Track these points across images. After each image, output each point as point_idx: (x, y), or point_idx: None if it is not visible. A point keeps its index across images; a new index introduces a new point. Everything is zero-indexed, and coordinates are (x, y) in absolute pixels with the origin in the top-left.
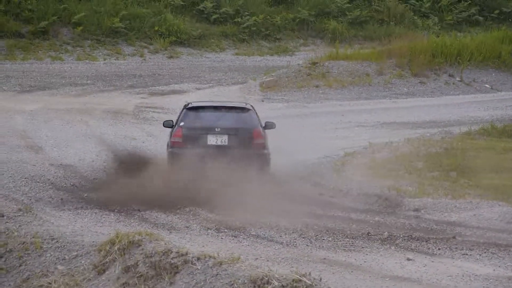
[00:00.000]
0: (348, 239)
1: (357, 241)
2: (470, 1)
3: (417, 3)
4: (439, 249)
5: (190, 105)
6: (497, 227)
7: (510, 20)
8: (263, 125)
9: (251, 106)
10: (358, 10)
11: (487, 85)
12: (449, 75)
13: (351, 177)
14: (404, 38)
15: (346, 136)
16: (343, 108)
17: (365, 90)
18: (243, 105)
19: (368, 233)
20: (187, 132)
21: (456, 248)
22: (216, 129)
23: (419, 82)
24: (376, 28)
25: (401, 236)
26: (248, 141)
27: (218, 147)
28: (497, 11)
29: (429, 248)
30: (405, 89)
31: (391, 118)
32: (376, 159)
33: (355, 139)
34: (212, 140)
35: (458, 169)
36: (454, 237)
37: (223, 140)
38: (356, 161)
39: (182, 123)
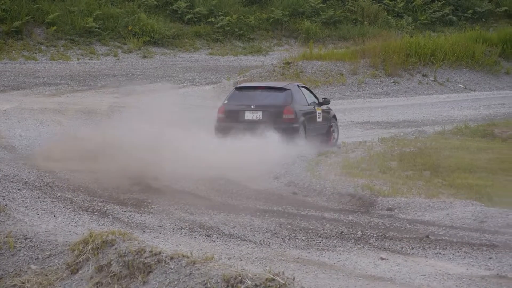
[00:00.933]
0: (321, 239)
1: (330, 241)
2: (443, 1)
3: (390, 3)
4: (412, 248)
5: (237, 86)
6: (470, 226)
7: (483, 20)
8: (320, 101)
9: (297, 86)
10: (332, 10)
11: (460, 85)
12: (423, 75)
13: (324, 176)
14: (378, 38)
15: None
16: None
17: (339, 90)
18: (283, 85)
19: (342, 232)
20: (229, 108)
21: (429, 247)
22: (252, 106)
23: (393, 82)
24: (350, 28)
25: (375, 235)
26: (278, 116)
27: (253, 122)
28: (470, 11)
29: (402, 248)
30: (379, 88)
31: (364, 118)
32: (350, 158)
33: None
34: (248, 115)
35: (431, 169)
36: (427, 237)
37: (257, 115)
38: (330, 160)
39: (226, 101)
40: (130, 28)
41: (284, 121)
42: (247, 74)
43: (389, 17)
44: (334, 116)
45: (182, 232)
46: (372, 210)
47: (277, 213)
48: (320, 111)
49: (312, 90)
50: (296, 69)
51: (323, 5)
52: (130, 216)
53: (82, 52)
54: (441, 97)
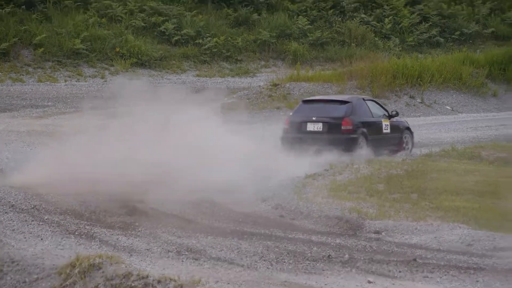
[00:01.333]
0: (309, 262)
1: (318, 264)
2: (431, 23)
3: (378, 24)
4: (400, 271)
5: (304, 99)
6: (458, 250)
7: (471, 41)
8: (390, 114)
9: (362, 99)
10: (319, 31)
11: (447, 107)
12: (410, 97)
13: (312, 199)
14: (365, 60)
15: (307, 158)
16: None
17: None
18: (345, 98)
19: (329, 255)
20: (293, 120)
21: (417, 270)
22: (313, 118)
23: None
24: (337, 50)
25: (362, 258)
26: (337, 127)
27: (314, 133)
28: (458, 33)
29: (389, 271)
30: None
31: None
32: (337, 181)
33: (315, 161)
34: (310, 127)
35: (419, 191)
36: (414, 260)
37: (318, 127)
38: (317, 183)
39: (290, 114)
40: (117, 49)
41: (343, 132)
42: (234, 96)
43: (377, 39)
44: (408, 128)
45: (169, 255)
46: (359, 233)
47: (264, 236)
48: (387, 123)
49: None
50: (283, 91)
51: (310, 26)
52: (117, 239)
53: (69, 73)
54: (428, 119)
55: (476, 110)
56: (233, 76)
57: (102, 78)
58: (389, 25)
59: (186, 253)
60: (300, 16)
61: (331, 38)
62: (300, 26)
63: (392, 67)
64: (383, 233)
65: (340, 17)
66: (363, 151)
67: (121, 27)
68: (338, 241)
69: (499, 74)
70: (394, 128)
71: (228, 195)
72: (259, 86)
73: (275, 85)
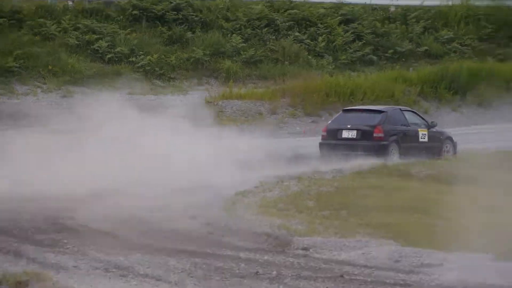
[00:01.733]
0: (236, 278)
1: (245, 280)
2: (364, 41)
3: (311, 42)
4: (327, 287)
5: (344, 108)
6: (385, 266)
7: (403, 59)
8: (429, 123)
9: (398, 109)
10: (253, 49)
11: None
12: None
13: (242, 216)
14: (298, 78)
15: (238, 175)
16: (234, 147)
17: (258, 129)
18: (381, 108)
19: (257, 272)
20: (330, 127)
21: (343, 287)
22: (348, 126)
23: (312, 122)
24: (270, 68)
25: (290, 275)
26: (369, 135)
27: (349, 139)
28: (391, 51)
29: (317, 287)
30: (297, 128)
31: (281, 157)
32: (267, 198)
33: (246, 178)
34: (345, 134)
35: (348, 208)
36: (342, 276)
37: (352, 134)
38: (247, 200)
39: (329, 122)
40: (50, 67)
41: (374, 139)
42: (167, 114)
43: (310, 57)
44: (449, 138)
45: (96, 272)
46: (288, 250)
47: (193, 253)
48: (424, 132)
49: (235, 129)
50: (216, 109)
51: (244, 44)
52: (45, 256)
53: (1, 91)
54: None
55: None
56: (165, 94)
57: (35, 95)
58: (323, 44)
59: (114, 270)
60: (234, 34)
61: (265, 56)
62: (233, 44)
63: (324, 85)
64: (311, 250)
65: (274, 35)
66: (395, 158)
67: (54, 45)
68: (266, 257)
69: (431, 92)
70: (433, 137)
71: (158, 212)
72: (192, 103)
73: (208, 102)
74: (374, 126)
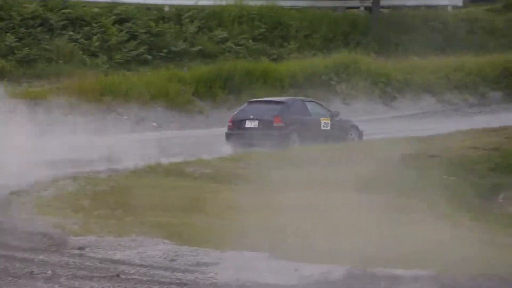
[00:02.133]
0: (11, 278)
1: (20, 280)
2: (139, 40)
3: (86, 42)
4: (102, 287)
5: (249, 100)
6: (161, 265)
7: (178, 59)
8: (332, 113)
9: (300, 100)
10: (28, 48)
11: (154, 123)
12: (118, 114)
13: (16, 215)
14: (73, 77)
15: (12, 175)
16: None
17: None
18: (282, 99)
19: (32, 272)
20: (235, 118)
21: (119, 286)
22: (251, 116)
23: (88, 121)
24: (45, 67)
25: (65, 274)
26: (270, 124)
27: (252, 129)
28: (165, 50)
29: (92, 287)
30: (72, 128)
31: (56, 156)
32: (42, 197)
33: (21, 178)
34: (248, 124)
35: (124, 207)
36: (118, 275)
37: (254, 124)
38: (22, 199)
39: (235, 113)
40: None
41: (275, 129)
42: None
43: (84, 56)
44: (354, 126)
45: None
46: (63, 249)
47: None
48: (327, 121)
49: None
50: None
51: (18, 43)
52: None
53: None
54: (134, 136)
55: (182, 127)
56: None
57: None
58: (98, 43)
59: None
60: (8, 34)
61: (39, 55)
62: (7, 43)
63: (100, 84)
64: (86, 249)
65: (48, 34)
66: (296, 145)
67: None
68: (41, 257)
69: (205, 91)
70: (337, 125)
71: None
72: None
73: None
74: (274, 116)
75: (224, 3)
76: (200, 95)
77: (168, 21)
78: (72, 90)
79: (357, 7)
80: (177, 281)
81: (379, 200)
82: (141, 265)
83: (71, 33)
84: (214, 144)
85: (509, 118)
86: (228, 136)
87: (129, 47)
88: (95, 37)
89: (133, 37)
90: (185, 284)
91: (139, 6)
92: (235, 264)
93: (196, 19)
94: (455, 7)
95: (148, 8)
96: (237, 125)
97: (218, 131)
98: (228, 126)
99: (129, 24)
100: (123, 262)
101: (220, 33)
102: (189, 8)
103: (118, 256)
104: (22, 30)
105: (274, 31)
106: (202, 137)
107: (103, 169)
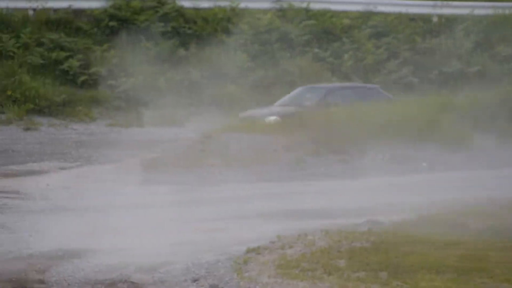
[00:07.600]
0: None
1: None
2: (401, 59)
3: (335, 61)
4: None
5: None
6: None
7: (451, 82)
8: None
9: None
10: (262, 70)
11: (424, 164)
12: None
13: (256, 278)
14: None
15: (249, 228)
16: (245, 193)
17: (271, 170)
18: None
19: None
20: None
21: None
22: None
23: (339, 160)
24: (282, 93)
25: None
26: None
27: None
28: (435, 72)
29: None
30: (322, 169)
31: (304, 205)
32: (287, 256)
33: (259, 231)
34: None
35: (389, 269)
36: None
37: None
38: (263, 258)
39: None
40: (9, 93)
41: None
42: (156, 150)
43: (334, 79)
44: None
45: None
46: None
47: None
48: None
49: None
50: (219, 144)
51: (251, 63)
52: None
53: None
54: (398, 179)
55: (456, 167)
56: (155, 126)
57: None
58: (350, 62)
59: None
60: (239, 51)
61: (276, 78)
62: (238, 63)
63: None
64: None
65: (288, 52)
66: None
67: (13, 65)
68: None
69: (487, 123)
70: None
71: (151, 273)
72: (189, 138)
73: (208, 136)
74: None
75: (506, 12)
76: (481, 127)
77: (438, 34)
78: None
79: None
80: None
81: None
82: None
83: (316, 50)
84: (499, 189)
85: None
86: None
87: (389, 68)
88: (346, 55)
89: (393, 55)
90: None
91: (400, 16)
92: None
93: (472, 32)
94: None
95: (412, 18)
96: None
97: (506, 172)
98: None
99: (388, 39)
100: None
101: (504, 50)
102: (463, 18)
103: None
104: (256, 47)
105: None
106: (484, 179)
107: (361, 221)
